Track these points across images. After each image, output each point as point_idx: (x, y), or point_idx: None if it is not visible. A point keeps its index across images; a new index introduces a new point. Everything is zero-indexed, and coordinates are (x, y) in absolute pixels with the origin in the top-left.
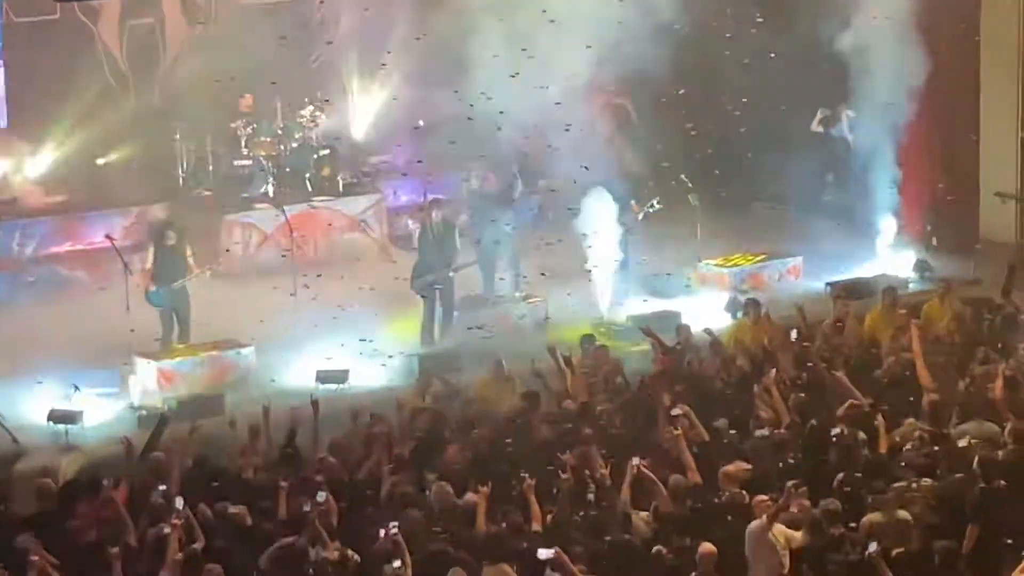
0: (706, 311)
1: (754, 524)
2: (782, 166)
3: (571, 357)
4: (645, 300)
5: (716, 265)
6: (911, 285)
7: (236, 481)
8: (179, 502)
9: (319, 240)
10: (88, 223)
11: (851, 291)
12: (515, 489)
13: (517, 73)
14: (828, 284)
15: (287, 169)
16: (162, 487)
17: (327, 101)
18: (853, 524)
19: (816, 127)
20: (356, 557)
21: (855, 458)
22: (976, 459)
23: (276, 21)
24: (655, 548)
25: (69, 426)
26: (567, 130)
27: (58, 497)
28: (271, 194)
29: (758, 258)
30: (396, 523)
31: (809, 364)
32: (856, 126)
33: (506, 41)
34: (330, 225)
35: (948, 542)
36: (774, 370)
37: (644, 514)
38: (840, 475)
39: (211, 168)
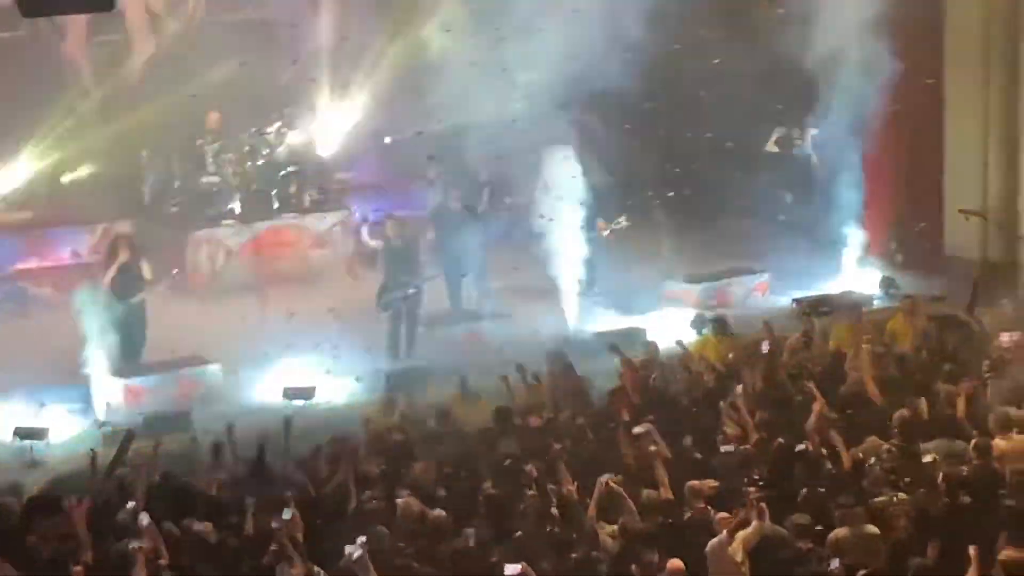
0: (673, 328)
1: (714, 541)
2: (748, 183)
3: (539, 373)
4: (612, 316)
5: (683, 282)
6: (877, 302)
7: (202, 497)
8: (144, 518)
9: (286, 256)
10: (54, 240)
11: (817, 307)
12: (482, 505)
13: (484, 90)
14: (795, 300)
15: (253, 186)
16: (131, 504)
17: (294, 118)
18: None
19: (771, 147)
20: (322, 573)
21: (820, 473)
22: (941, 475)
23: (243, 38)
24: (625, 565)
25: (35, 442)
26: (533, 148)
27: (20, 514)
28: (238, 211)
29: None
30: (364, 538)
31: (776, 380)
32: (820, 144)
33: (472, 58)
34: (297, 241)
35: (922, 559)
36: (740, 386)
37: (611, 529)
38: (804, 490)
39: (177, 185)
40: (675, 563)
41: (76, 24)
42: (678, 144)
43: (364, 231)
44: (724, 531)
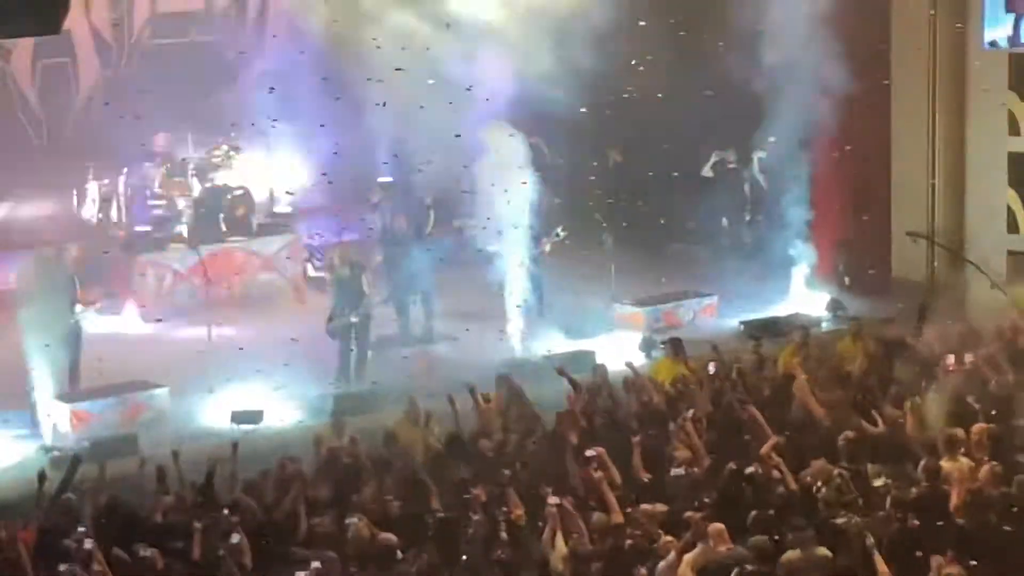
0: (621, 350)
1: (662, 564)
2: (696, 207)
3: (489, 395)
4: (559, 339)
5: (631, 305)
6: (824, 324)
7: (149, 523)
8: (89, 543)
9: (233, 280)
10: None
11: (765, 330)
12: (431, 529)
13: (427, 111)
14: (743, 323)
15: (201, 209)
16: (81, 528)
17: (241, 141)
18: None
19: (707, 172)
20: None
21: (771, 496)
22: (889, 499)
23: (190, 61)
24: None
25: None
26: (480, 170)
27: None
28: (185, 234)
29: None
30: (317, 563)
31: (724, 403)
32: (767, 167)
33: (417, 79)
34: (244, 265)
35: None
36: (692, 410)
37: (561, 552)
38: (753, 512)
39: (124, 207)
40: None
41: (21, 47)
42: (626, 167)
43: (309, 267)
44: (673, 553)
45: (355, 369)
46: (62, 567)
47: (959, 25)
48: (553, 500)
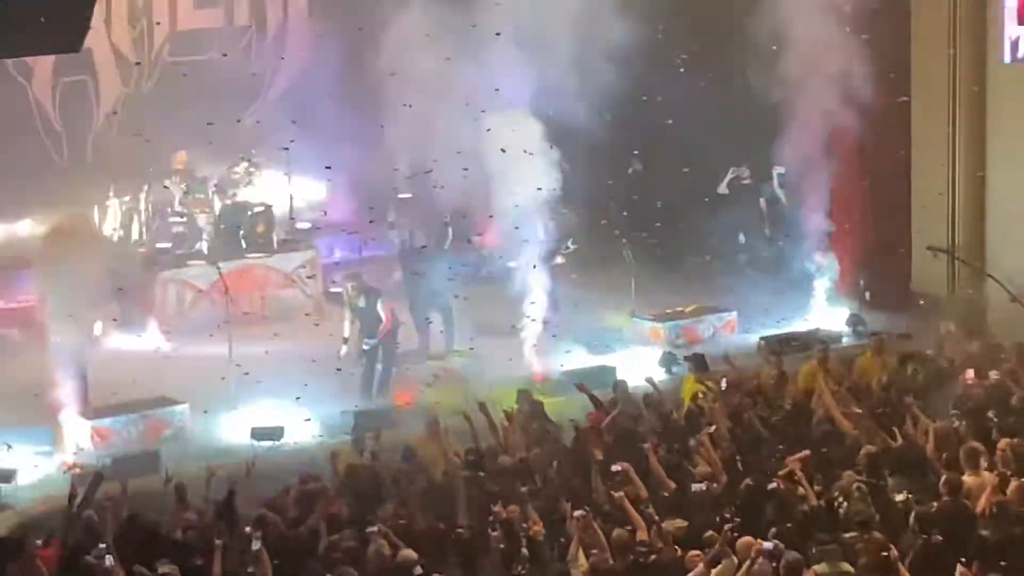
0: (641, 366)
1: None
2: (716, 222)
3: (511, 412)
4: (579, 354)
5: (651, 320)
6: (844, 339)
7: (169, 539)
8: (108, 561)
9: (254, 297)
10: (18, 281)
11: (785, 345)
12: (452, 546)
13: (445, 127)
14: (762, 338)
15: (221, 226)
16: (102, 545)
17: (261, 158)
18: None
19: (723, 189)
20: None
21: (792, 511)
22: (913, 514)
23: (210, 78)
24: None
25: (2, 484)
26: (498, 184)
27: None
28: (205, 251)
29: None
30: None
31: (745, 418)
32: (786, 182)
33: (438, 96)
34: (265, 281)
35: None
36: (714, 427)
37: (583, 567)
38: (774, 529)
39: (145, 225)
40: None
41: (42, 65)
42: (646, 183)
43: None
44: (701, 565)
45: (378, 386)
46: None
47: (979, 39)
48: (579, 513)
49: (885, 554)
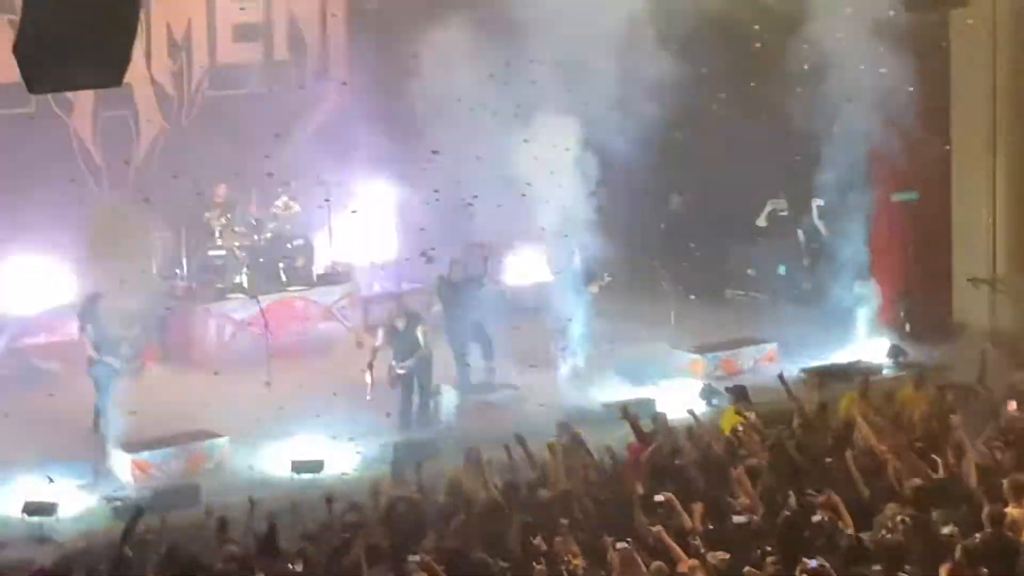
0: (681, 398)
1: None
2: (755, 253)
3: (553, 444)
4: (618, 386)
5: (691, 352)
6: (885, 371)
7: (210, 572)
8: None
9: (293, 329)
10: (60, 315)
11: (827, 377)
12: None
13: (485, 159)
14: (803, 370)
15: (261, 259)
16: None
17: (300, 191)
18: None
19: (762, 221)
20: None
21: (838, 544)
22: (959, 547)
23: (250, 112)
24: None
25: (44, 518)
26: (536, 216)
27: None
28: (245, 284)
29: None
30: None
31: (784, 452)
32: (826, 213)
33: (478, 127)
34: (304, 314)
35: None
36: (755, 460)
37: None
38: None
39: (185, 258)
40: None
41: (83, 100)
42: (686, 215)
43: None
44: None
45: (417, 416)
46: None
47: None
48: (621, 546)
49: None
